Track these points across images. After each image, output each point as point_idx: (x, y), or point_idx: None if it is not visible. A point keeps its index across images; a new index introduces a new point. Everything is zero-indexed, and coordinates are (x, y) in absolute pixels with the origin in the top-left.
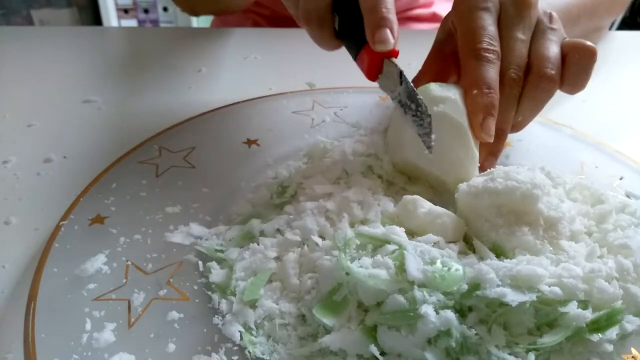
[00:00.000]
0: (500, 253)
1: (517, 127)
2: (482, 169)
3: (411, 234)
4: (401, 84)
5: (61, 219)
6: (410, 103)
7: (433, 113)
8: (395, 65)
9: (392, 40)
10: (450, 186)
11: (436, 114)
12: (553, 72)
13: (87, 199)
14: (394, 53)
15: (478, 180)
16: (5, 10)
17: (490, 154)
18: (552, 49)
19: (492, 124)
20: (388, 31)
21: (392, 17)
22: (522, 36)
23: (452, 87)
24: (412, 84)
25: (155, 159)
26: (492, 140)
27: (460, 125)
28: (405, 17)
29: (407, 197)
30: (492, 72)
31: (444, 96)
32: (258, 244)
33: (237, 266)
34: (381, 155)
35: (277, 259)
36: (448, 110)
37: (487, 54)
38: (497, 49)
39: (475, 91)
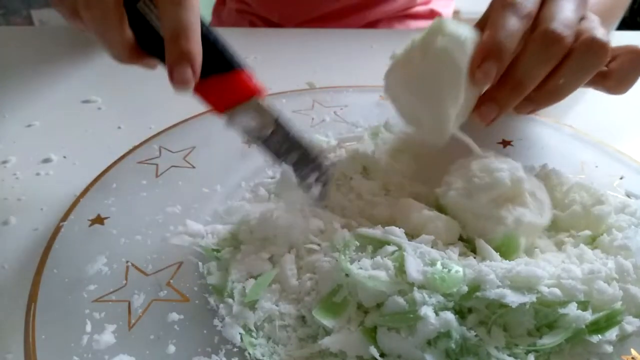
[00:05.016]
0: (511, 246)
1: (556, 94)
2: (478, 111)
3: (409, 235)
4: (278, 131)
5: (61, 219)
6: (293, 152)
7: (434, 46)
8: (269, 109)
9: (190, 81)
10: (425, 128)
11: (436, 48)
12: (605, 39)
13: (87, 199)
14: (264, 91)
15: (457, 182)
16: (5, 10)
17: (494, 100)
18: (603, 31)
19: (492, 67)
20: (186, 69)
21: (193, 48)
22: (571, 6)
23: (469, 30)
24: (294, 131)
25: (155, 159)
26: (486, 81)
27: (455, 65)
28: (403, 15)
29: (402, 200)
30: (514, 22)
31: (453, 33)
32: (250, 245)
33: (233, 268)
34: (379, 157)
35: (270, 259)
36: (450, 47)
37: (517, 7)
38: (531, 10)
39: (488, 32)
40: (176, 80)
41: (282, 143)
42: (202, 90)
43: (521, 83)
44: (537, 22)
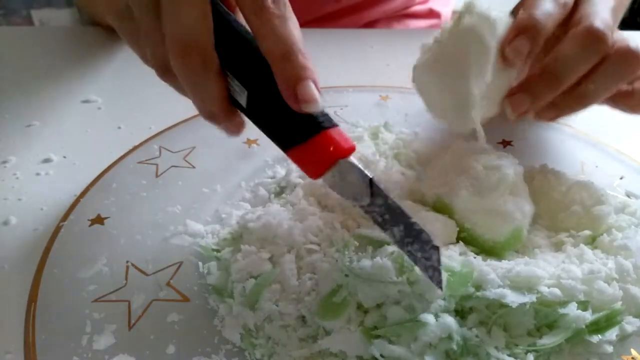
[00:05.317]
0: (518, 238)
1: (583, 100)
2: (510, 99)
3: None
4: (372, 195)
5: (61, 219)
6: (396, 225)
7: (462, 25)
8: (360, 171)
9: (319, 99)
10: (450, 113)
11: (464, 27)
12: (639, 51)
13: (87, 199)
14: (352, 149)
15: (463, 182)
16: (5, 10)
17: (528, 91)
18: (635, 42)
19: (523, 44)
20: (312, 85)
21: (311, 65)
22: (609, 12)
23: (502, 13)
24: (392, 199)
25: (155, 159)
26: (517, 60)
27: (481, 43)
28: (402, 15)
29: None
30: (550, 6)
31: (482, 12)
32: (250, 245)
33: (233, 268)
34: (379, 157)
35: (270, 259)
36: (477, 25)
37: None
38: (567, 0)
39: (522, 12)
40: (303, 98)
41: (384, 212)
42: (293, 157)
43: (558, 76)
44: (577, 19)
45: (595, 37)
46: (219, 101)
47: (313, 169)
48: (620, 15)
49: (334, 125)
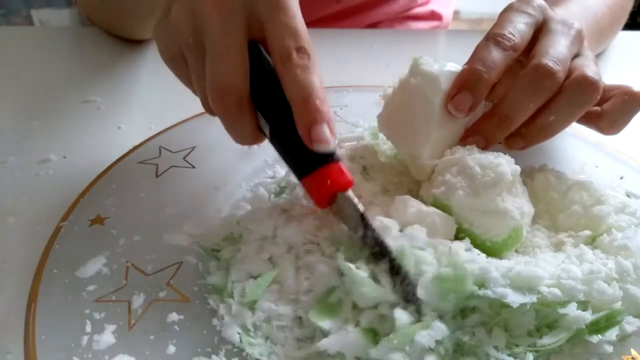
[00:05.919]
0: (517, 238)
1: (547, 131)
2: (463, 143)
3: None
4: (366, 228)
5: (61, 219)
6: (383, 258)
7: (408, 84)
8: (354, 205)
9: (331, 140)
10: (407, 163)
11: (410, 87)
12: (597, 77)
13: (87, 199)
14: (349, 183)
15: (460, 182)
16: (5, 10)
17: (480, 133)
18: (595, 69)
19: (464, 98)
20: (325, 128)
21: (327, 109)
22: (565, 42)
23: (450, 66)
24: (379, 234)
25: (155, 159)
26: (460, 113)
27: (428, 101)
28: (404, 17)
29: (398, 197)
30: (495, 55)
31: (427, 71)
32: (250, 245)
33: (233, 268)
34: (379, 157)
35: (270, 260)
36: (422, 84)
37: (500, 39)
38: (516, 41)
39: (466, 66)
40: (316, 139)
41: (374, 245)
42: (304, 187)
43: (508, 117)
44: (532, 54)
45: (541, 74)
46: (250, 133)
47: (317, 200)
48: (608, 33)
49: (336, 160)
